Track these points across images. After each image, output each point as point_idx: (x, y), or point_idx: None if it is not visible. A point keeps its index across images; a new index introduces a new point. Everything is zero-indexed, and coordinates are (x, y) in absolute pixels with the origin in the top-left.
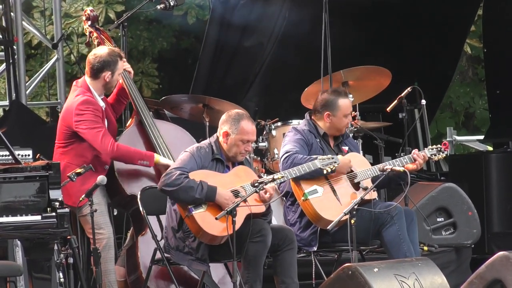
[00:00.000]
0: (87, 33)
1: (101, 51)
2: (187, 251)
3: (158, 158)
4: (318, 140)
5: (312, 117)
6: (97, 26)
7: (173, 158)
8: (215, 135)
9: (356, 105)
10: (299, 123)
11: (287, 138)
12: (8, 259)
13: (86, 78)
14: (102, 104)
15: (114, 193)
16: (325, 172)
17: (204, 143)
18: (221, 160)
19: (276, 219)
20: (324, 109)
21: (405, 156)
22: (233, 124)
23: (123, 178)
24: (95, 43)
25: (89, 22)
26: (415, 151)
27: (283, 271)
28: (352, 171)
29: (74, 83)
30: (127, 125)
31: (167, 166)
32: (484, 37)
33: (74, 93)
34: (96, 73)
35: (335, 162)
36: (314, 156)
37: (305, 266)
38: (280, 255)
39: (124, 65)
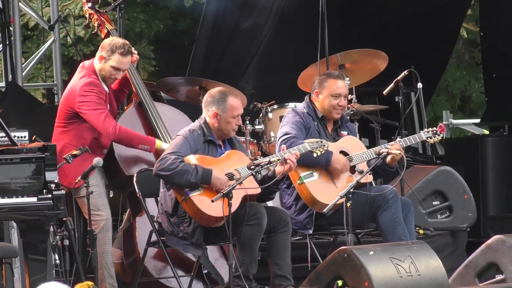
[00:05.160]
0: (87, 15)
1: (113, 39)
2: (182, 236)
3: (160, 143)
4: (316, 123)
5: (312, 99)
6: (97, 8)
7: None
8: (202, 116)
9: (352, 88)
10: (296, 106)
11: (285, 119)
12: (3, 240)
13: (94, 61)
14: (106, 88)
15: (112, 174)
16: (315, 155)
17: (195, 125)
18: (213, 141)
19: (272, 202)
20: (314, 88)
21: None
22: (220, 104)
23: (122, 158)
24: (95, 25)
25: (89, 4)
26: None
27: (276, 253)
28: (346, 153)
29: (80, 64)
30: (126, 106)
31: None
32: (480, 21)
33: (79, 74)
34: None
35: (324, 145)
36: None
37: (300, 248)
38: (274, 236)
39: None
